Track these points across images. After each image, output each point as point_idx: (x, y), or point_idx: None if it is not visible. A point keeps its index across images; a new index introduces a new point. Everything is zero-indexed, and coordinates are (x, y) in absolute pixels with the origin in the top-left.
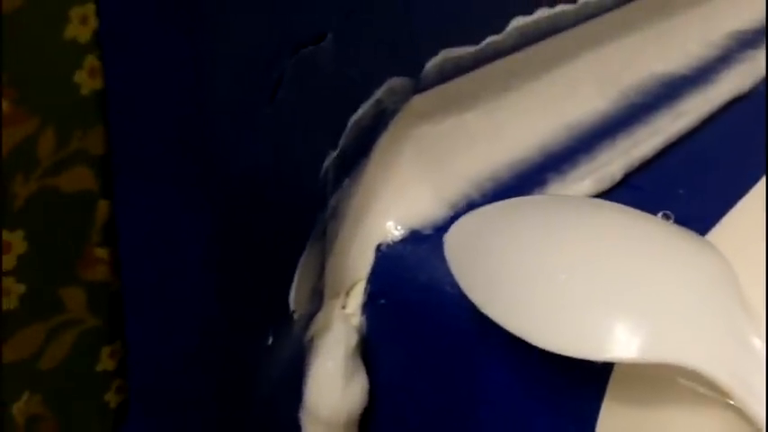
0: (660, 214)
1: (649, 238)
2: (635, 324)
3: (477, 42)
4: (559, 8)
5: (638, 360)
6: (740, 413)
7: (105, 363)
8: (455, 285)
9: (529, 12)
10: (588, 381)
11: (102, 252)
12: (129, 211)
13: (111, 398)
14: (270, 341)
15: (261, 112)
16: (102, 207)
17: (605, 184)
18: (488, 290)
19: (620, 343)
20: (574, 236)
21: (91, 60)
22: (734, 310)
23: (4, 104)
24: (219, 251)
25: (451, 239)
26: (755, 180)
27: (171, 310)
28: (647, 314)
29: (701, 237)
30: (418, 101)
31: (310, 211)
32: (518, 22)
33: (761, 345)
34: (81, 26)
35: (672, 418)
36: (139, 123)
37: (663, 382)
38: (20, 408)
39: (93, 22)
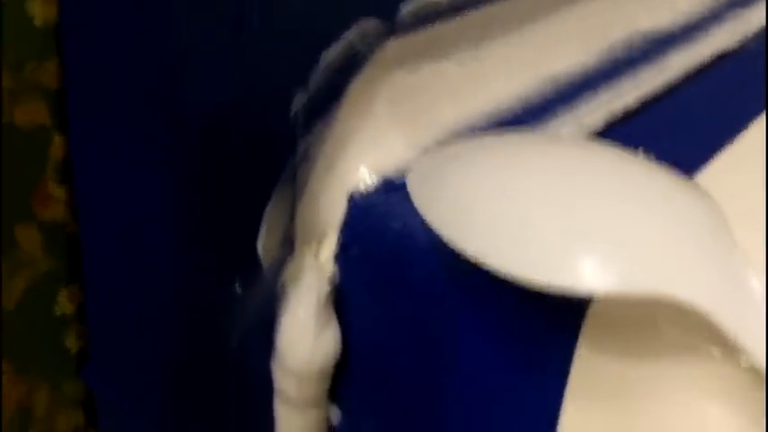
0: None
1: (634, 174)
2: (615, 252)
3: None
4: None
5: (617, 291)
6: (725, 367)
7: (64, 306)
8: (429, 234)
9: None
10: (561, 329)
11: (58, 191)
12: (86, 148)
13: (72, 343)
14: (238, 289)
15: (225, 47)
16: (58, 143)
17: (585, 134)
18: (456, 221)
19: (597, 272)
20: (547, 170)
21: None
22: (728, 247)
23: None
24: (182, 193)
25: (415, 176)
26: (737, 132)
27: (131, 253)
28: (628, 243)
29: (685, 176)
30: (394, 46)
31: (279, 155)
32: None
33: (759, 285)
34: None
35: (652, 370)
36: (96, 56)
37: (642, 328)
38: None
39: None
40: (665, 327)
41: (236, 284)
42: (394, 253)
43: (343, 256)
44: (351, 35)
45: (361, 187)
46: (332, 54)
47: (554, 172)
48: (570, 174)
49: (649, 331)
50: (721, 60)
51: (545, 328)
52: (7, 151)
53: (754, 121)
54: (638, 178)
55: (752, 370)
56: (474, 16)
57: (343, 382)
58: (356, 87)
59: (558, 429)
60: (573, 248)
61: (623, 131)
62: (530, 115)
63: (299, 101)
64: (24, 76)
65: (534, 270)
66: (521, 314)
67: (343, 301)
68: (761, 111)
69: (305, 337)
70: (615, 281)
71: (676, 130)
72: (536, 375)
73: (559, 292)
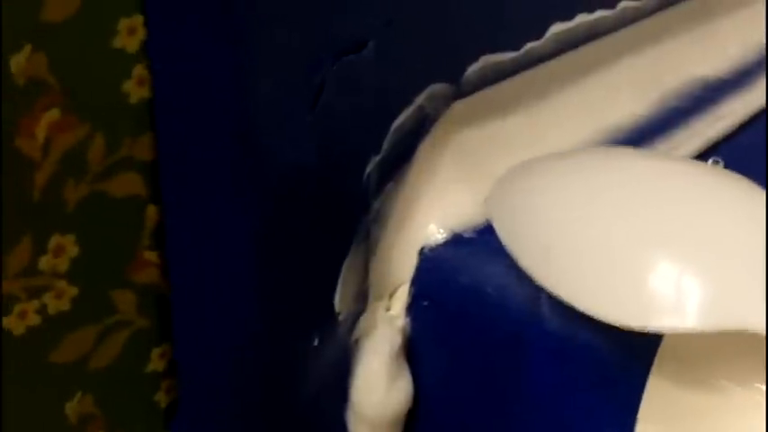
0: (710, 160)
1: (700, 185)
2: (694, 287)
3: (516, 48)
4: (598, 14)
5: (697, 329)
6: None
7: (155, 363)
8: (497, 287)
9: (568, 18)
10: (635, 361)
11: (151, 255)
12: (177, 215)
13: (161, 397)
14: (315, 342)
15: (303, 118)
16: (152, 212)
17: None
18: (536, 254)
19: (681, 313)
20: (621, 187)
21: (139, 70)
22: None
23: (55, 112)
24: (265, 255)
25: (494, 199)
26: None
27: (217, 311)
28: (706, 276)
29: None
30: (459, 106)
31: (354, 215)
32: (557, 27)
33: None
34: (129, 37)
35: (720, 398)
36: (186, 131)
37: (712, 357)
38: (72, 407)
39: (140, 33)
40: (733, 356)
41: (314, 338)
42: (463, 306)
43: (414, 307)
44: (420, 99)
45: (431, 242)
46: (403, 118)
47: (638, 203)
48: (641, 192)
49: (719, 361)
50: None
51: (619, 364)
52: (104, 221)
53: None
54: (710, 193)
55: None
56: (534, 73)
57: (415, 428)
58: (425, 148)
59: None
60: (657, 290)
61: None
62: None
63: (372, 163)
64: (120, 151)
65: (628, 315)
66: (594, 354)
67: (414, 351)
68: None
69: (378, 386)
70: (703, 320)
71: None
72: (608, 414)
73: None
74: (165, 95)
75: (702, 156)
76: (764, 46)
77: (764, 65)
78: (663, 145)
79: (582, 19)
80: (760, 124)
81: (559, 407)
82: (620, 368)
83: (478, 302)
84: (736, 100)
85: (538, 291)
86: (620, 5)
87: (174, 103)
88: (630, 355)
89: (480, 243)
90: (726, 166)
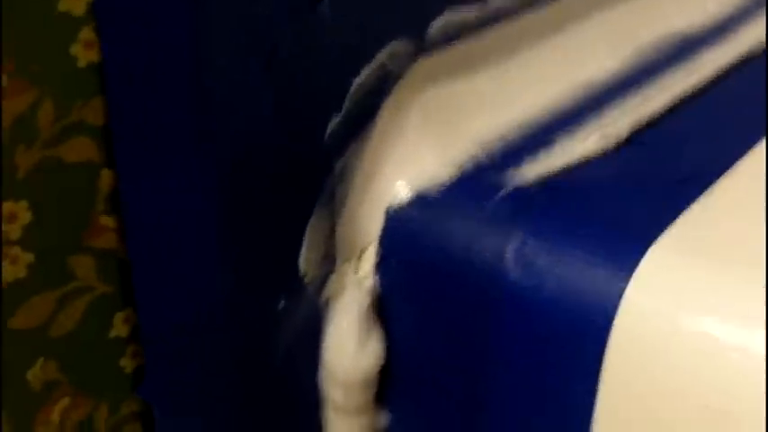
0: None
1: None
2: None
3: (482, 2)
4: None
5: None
6: None
7: (119, 329)
8: (463, 244)
9: None
10: (596, 323)
11: (108, 220)
12: (132, 179)
13: (127, 363)
14: (282, 304)
15: (259, 78)
16: (106, 176)
17: (611, 141)
18: None
19: None
20: None
21: (86, 33)
22: None
23: (3, 78)
24: (225, 217)
25: None
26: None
27: (179, 276)
28: None
29: None
30: (424, 63)
31: (316, 175)
32: None
33: None
34: None
35: None
36: (137, 93)
37: None
38: (35, 374)
39: None
40: None
41: (281, 300)
42: (430, 263)
43: (382, 267)
44: (382, 56)
45: (397, 202)
46: (364, 75)
47: None
48: None
49: None
50: (749, 62)
51: (582, 315)
52: (57, 187)
53: None
54: None
55: None
56: (502, 29)
57: (388, 387)
58: (389, 106)
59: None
60: None
61: (648, 138)
62: (558, 125)
63: (333, 123)
64: (70, 116)
65: None
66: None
67: (384, 310)
68: None
69: (349, 346)
70: None
71: (702, 135)
72: (573, 364)
73: None
74: (115, 58)
75: (675, 108)
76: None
77: (739, 20)
78: (633, 99)
79: None
80: (732, 80)
81: (527, 358)
82: (584, 320)
83: (445, 260)
84: (710, 55)
85: (503, 246)
86: None
87: (124, 66)
88: (595, 305)
89: (446, 201)
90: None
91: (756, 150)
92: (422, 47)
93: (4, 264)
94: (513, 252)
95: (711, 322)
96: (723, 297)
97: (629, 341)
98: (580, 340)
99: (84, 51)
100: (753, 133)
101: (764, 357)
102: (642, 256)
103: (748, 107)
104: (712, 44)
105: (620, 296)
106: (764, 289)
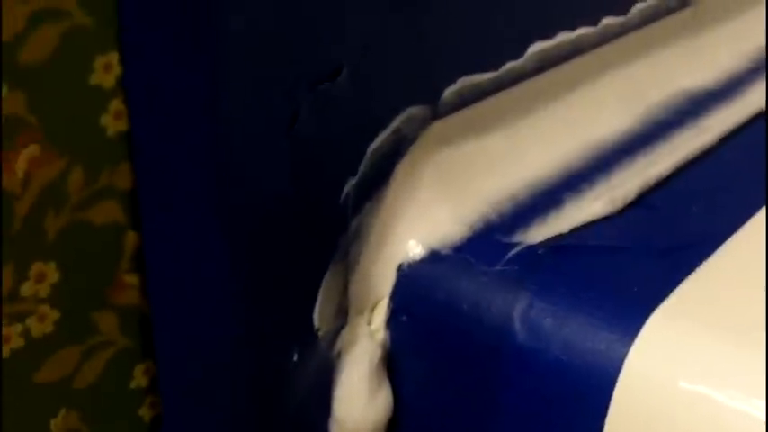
0: None
1: None
2: None
3: (495, 68)
4: (580, 31)
5: None
6: None
7: (139, 380)
8: (471, 303)
9: (548, 36)
10: (600, 386)
11: (131, 278)
12: (156, 240)
13: (145, 412)
14: (295, 358)
15: (278, 145)
16: (131, 237)
17: (618, 204)
18: None
19: None
20: None
21: (116, 104)
22: None
23: (33, 148)
24: (243, 275)
25: None
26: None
27: (197, 330)
28: None
29: None
30: (437, 126)
31: (331, 235)
32: (537, 46)
33: None
34: (105, 73)
35: None
36: (162, 160)
37: None
38: (57, 424)
39: (116, 69)
40: None
41: (294, 353)
42: (439, 320)
43: (393, 322)
44: (397, 122)
45: (409, 259)
46: (379, 141)
47: None
48: None
49: None
50: (757, 120)
51: (586, 378)
52: (84, 248)
53: None
54: None
55: None
56: (514, 91)
57: None
58: (403, 168)
59: None
60: None
61: (656, 200)
62: (568, 185)
63: (349, 185)
64: (99, 181)
65: None
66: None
67: (394, 364)
68: None
69: (359, 398)
70: None
71: (710, 197)
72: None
73: None
74: (142, 127)
75: (683, 168)
76: (755, 55)
77: (754, 74)
78: (642, 159)
79: (563, 37)
80: (742, 138)
81: (532, 417)
82: (587, 382)
83: (454, 317)
84: (721, 112)
85: (510, 307)
86: (603, 22)
87: (150, 135)
88: (598, 368)
89: (457, 260)
90: (704, 182)
91: (759, 215)
92: (435, 111)
93: (32, 320)
94: (519, 313)
95: (712, 387)
96: (723, 363)
97: (631, 403)
98: (583, 402)
99: (114, 121)
100: (757, 196)
101: (765, 422)
102: (644, 321)
103: (755, 168)
104: (726, 100)
105: (622, 360)
106: (764, 355)
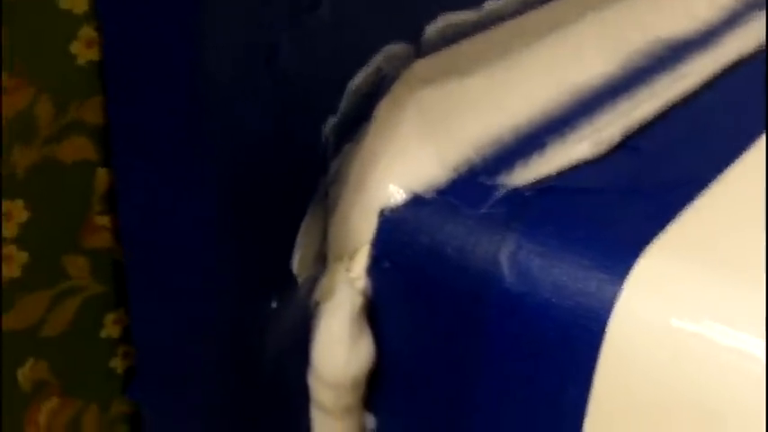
0: None
1: None
2: None
3: (476, 5)
4: None
5: None
6: None
7: (110, 329)
8: (456, 248)
9: None
10: (589, 329)
11: (103, 220)
12: (129, 179)
13: (118, 364)
14: (274, 305)
15: (258, 79)
16: (102, 176)
17: (603, 146)
18: None
19: None
20: None
21: (87, 31)
22: None
23: (3, 75)
24: (220, 218)
25: None
26: (753, 141)
27: (172, 276)
28: None
29: None
30: (419, 66)
31: (311, 176)
32: None
33: None
34: None
35: None
36: (137, 94)
37: None
38: (25, 374)
39: None
40: None
41: (273, 300)
42: (423, 266)
43: (374, 269)
44: (378, 60)
45: (391, 204)
46: (360, 78)
47: None
48: None
49: None
50: (740, 67)
51: (575, 321)
52: (54, 186)
53: None
54: None
55: None
56: (496, 32)
57: (378, 389)
58: (384, 108)
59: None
60: None
61: (640, 144)
62: (551, 128)
63: (329, 124)
64: (68, 114)
65: None
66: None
67: (375, 312)
68: None
69: (339, 348)
70: None
71: (694, 140)
72: (566, 369)
73: None
74: (115, 57)
75: (666, 113)
76: (730, 5)
77: (729, 25)
78: (625, 103)
79: None
80: (724, 83)
81: (519, 362)
82: (578, 324)
83: (438, 263)
84: (701, 60)
85: (497, 249)
86: None
87: (124, 65)
88: (589, 310)
89: (440, 203)
90: (688, 126)
91: (751, 154)
92: (417, 50)
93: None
94: (507, 255)
95: (706, 324)
96: (718, 299)
97: (624, 345)
98: (573, 344)
99: (85, 49)
100: (745, 138)
101: (763, 359)
102: (636, 260)
103: (740, 112)
104: (703, 49)
105: (613, 300)
106: (764, 290)
